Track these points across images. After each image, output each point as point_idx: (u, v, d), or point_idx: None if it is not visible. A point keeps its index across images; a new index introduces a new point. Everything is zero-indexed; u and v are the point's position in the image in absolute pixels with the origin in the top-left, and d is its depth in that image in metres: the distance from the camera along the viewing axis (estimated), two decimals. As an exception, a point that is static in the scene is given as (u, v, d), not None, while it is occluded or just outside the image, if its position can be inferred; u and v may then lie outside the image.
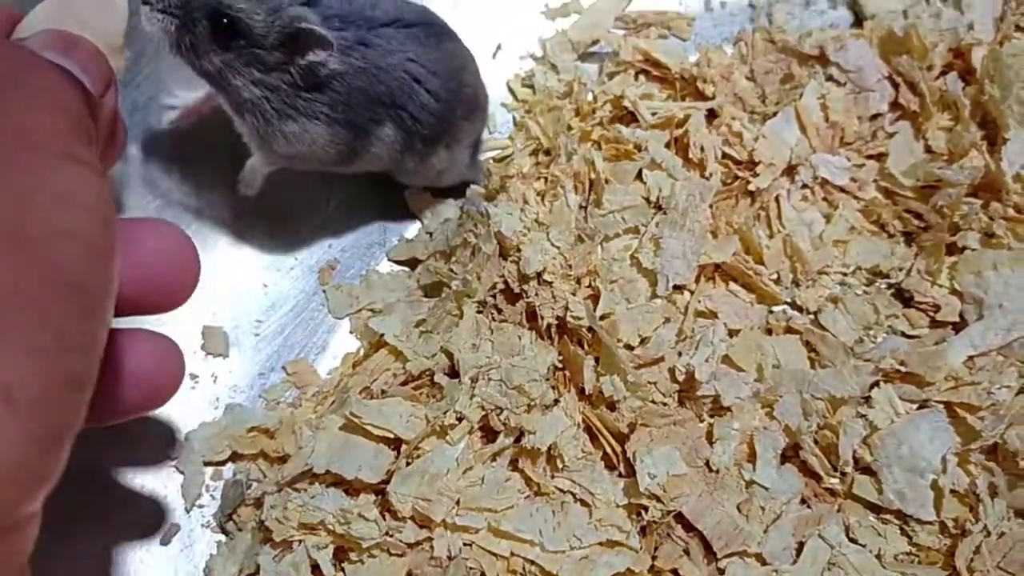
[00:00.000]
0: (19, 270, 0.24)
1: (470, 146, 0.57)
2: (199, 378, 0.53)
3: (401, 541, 0.45)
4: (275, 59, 0.46)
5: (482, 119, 0.57)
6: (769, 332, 0.53)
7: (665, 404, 0.50)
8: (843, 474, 0.48)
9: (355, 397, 0.49)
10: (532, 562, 0.45)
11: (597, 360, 0.50)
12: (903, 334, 0.52)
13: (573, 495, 0.47)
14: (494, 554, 0.46)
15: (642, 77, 0.60)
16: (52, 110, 0.29)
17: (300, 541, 0.45)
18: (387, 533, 0.45)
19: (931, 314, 0.53)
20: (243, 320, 0.55)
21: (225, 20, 0.44)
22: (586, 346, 0.50)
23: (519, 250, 0.53)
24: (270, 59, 0.46)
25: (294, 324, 0.56)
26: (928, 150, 0.57)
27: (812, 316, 0.53)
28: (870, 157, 0.57)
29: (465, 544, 0.46)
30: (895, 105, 0.58)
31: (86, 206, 0.27)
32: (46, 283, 0.25)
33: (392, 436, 0.48)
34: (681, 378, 0.50)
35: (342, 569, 0.45)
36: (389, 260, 0.58)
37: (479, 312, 0.52)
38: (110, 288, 0.28)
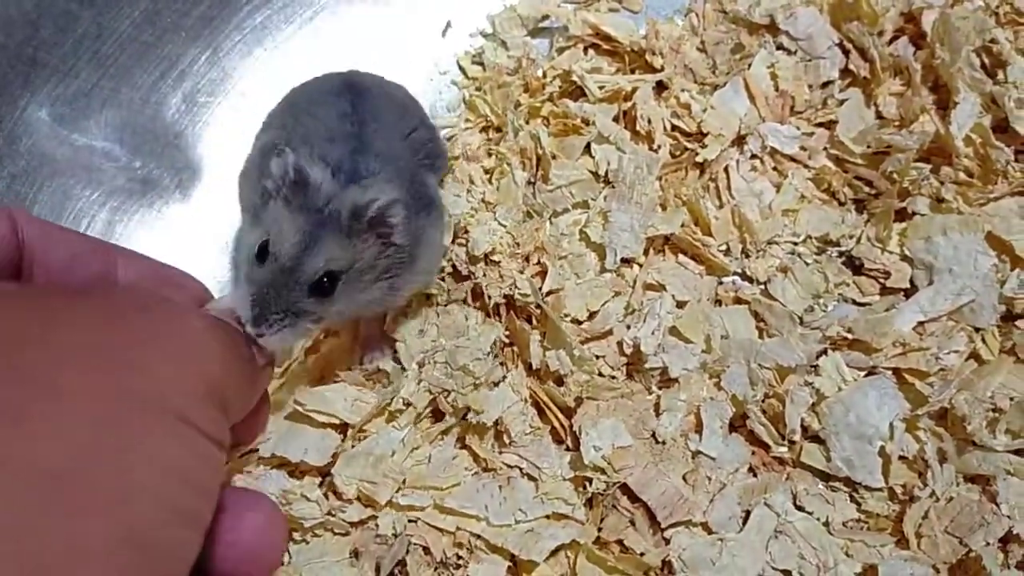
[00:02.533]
0: (93, 528, 0.23)
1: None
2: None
3: (345, 520, 0.45)
4: (372, 253, 0.41)
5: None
6: (718, 303, 0.52)
7: (613, 378, 0.50)
8: (791, 443, 0.48)
9: (300, 386, 0.49)
10: (478, 536, 0.45)
11: (544, 335, 0.49)
12: (854, 302, 0.52)
13: (520, 470, 0.47)
14: (440, 529, 0.46)
15: (592, 51, 0.59)
16: (186, 369, 0.27)
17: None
18: (330, 513, 0.45)
19: (882, 281, 0.52)
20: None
21: (325, 280, 0.40)
22: (534, 321, 0.50)
23: (467, 231, 0.53)
24: (367, 258, 0.41)
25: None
26: (879, 116, 0.56)
27: (762, 286, 0.52)
28: (820, 125, 0.56)
29: (411, 521, 0.46)
30: (846, 72, 0.58)
31: (186, 475, 0.26)
32: (121, 542, 0.23)
33: (338, 421, 0.48)
34: (629, 351, 0.50)
35: (287, 550, 0.45)
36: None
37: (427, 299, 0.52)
38: (191, 558, 0.26)
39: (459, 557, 0.45)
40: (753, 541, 0.45)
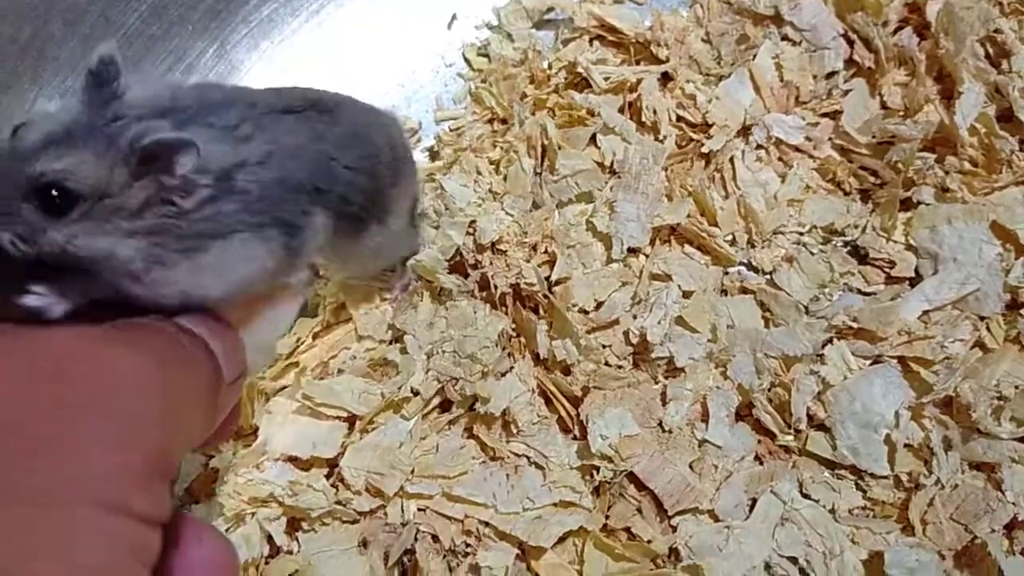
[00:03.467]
0: None
1: (406, 214, 0.48)
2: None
3: (353, 510, 0.45)
4: (138, 198, 0.33)
5: (409, 183, 0.48)
6: (724, 293, 0.53)
7: (620, 367, 0.50)
8: (797, 431, 0.48)
9: (307, 379, 0.50)
10: (486, 523, 0.46)
11: (551, 325, 0.50)
12: (859, 291, 0.52)
13: (527, 458, 0.48)
14: (448, 517, 0.46)
15: (597, 43, 0.60)
16: (117, 443, 0.24)
17: (252, 514, 0.45)
18: (338, 502, 0.45)
19: (887, 270, 0.53)
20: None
21: (55, 192, 0.32)
22: (541, 312, 0.50)
23: (474, 222, 0.53)
24: (132, 202, 0.33)
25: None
26: (884, 106, 0.56)
27: (767, 276, 0.53)
28: (825, 115, 0.57)
29: (419, 510, 0.46)
30: (850, 62, 0.58)
31: None
32: None
33: (345, 413, 0.49)
34: (635, 341, 0.50)
35: (296, 539, 0.46)
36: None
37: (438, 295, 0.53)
38: None
39: (467, 544, 0.45)
40: (759, 528, 0.45)
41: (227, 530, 0.46)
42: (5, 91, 0.55)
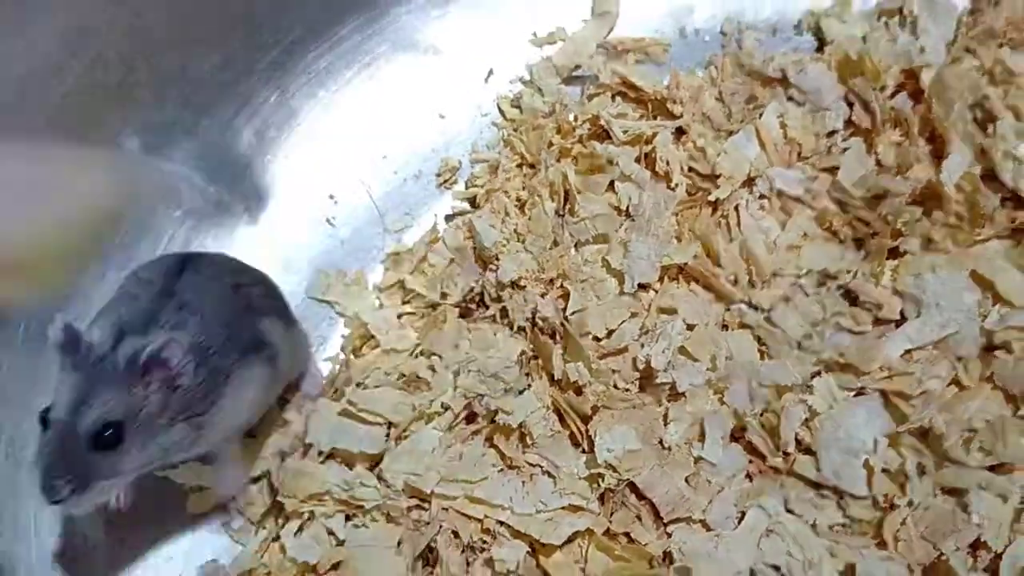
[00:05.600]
0: None
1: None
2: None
3: (398, 506, 0.51)
4: (157, 397, 0.43)
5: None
6: (725, 327, 0.58)
7: (627, 390, 0.55)
8: (785, 454, 0.53)
9: (351, 388, 0.56)
10: (503, 523, 0.51)
11: (566, 350, 0.56)
12: (849, 331, 0.57)
13: (541, 467, 0.53)
14: (469, 517, 0.52)
15: (619, 98, 0.66)
16: None
17: (311, 512, 0.52)
18: (386, 498, 0.51)
19: (875, 312, 0.57)
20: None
21: (108, 431, 0.41)
22: (557, 337, 0.56)
23: (497, 259, 0.59)
24: (156, 403, 0.43)
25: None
26: (878, 163, 0.62)
27: (765, 313, 0.58)
28: (824, 170, 0.62)
29: (443, 509, 0.52)
30: (849, 123, 0.63)
31: None
32: None
33: (383, 420, 0.55)
34: (641, 367, 0.56)
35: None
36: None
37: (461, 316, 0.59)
38: None
39: (484, 541, 0.51)
40: (746, 538, 0.51)
41: (297, 532, 0.52)
42: (94, 131, 0.62)
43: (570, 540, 0.51)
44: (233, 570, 0.54)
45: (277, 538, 0.53)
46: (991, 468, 0.51)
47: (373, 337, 0.59)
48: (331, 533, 0.52)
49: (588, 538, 0.51)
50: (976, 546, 0.49)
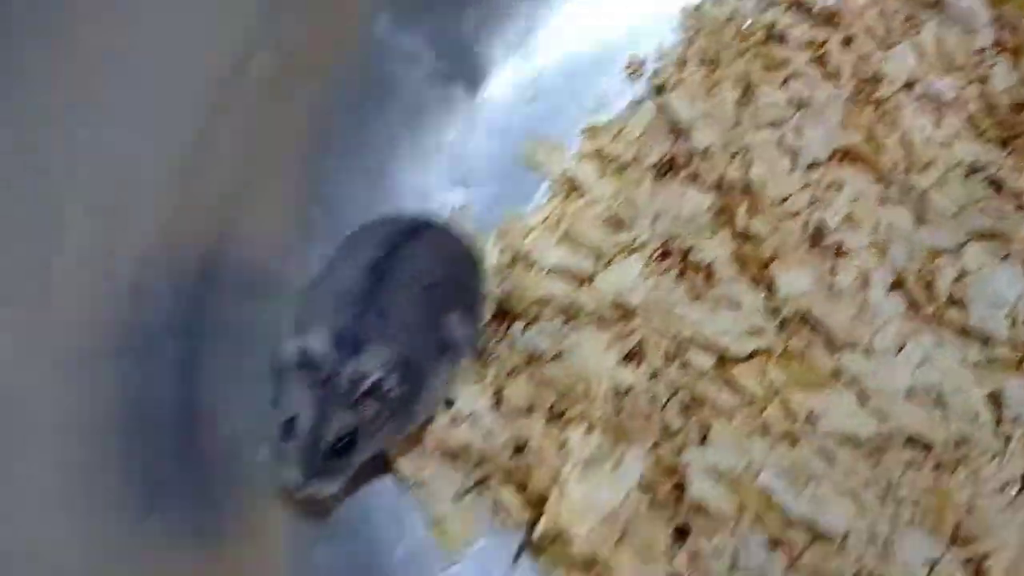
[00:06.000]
0: None
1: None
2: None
3: (609, 316, 0.61)
4: (379, 407, 0.51)
5: None
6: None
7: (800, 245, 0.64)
8: (939, 306, 0.62)
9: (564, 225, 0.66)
10: (694, 338, 0.60)
11: (749, 206, 0.65)
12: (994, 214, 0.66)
13: (728, 299, 0.62)
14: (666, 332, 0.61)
15: (791, 10, 0.75)
16: None
17: (535, 315, 0.62)
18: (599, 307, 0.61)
19: (1017, 201, 0.66)
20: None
21: (342, 443, 0.50)
22: (739, 195, 0.66)
23: (688, 132, 0.69)
24: (381, 413, 0.51)
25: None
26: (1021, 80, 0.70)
27: (923, 192, 0.66)
28: (973, 81, 0.71)
29: (647, 320, 0.61)
30: (997, 43, 0.72)
31: None
32: None
33: (592, 250, 0.65)
34: (812, 230, 0.65)
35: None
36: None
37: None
38: None
39: (680, 347, 0.60)
40: (905, 364, 0.59)
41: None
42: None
43: (752, 356, 0.60)
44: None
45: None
46: None
47: (577, 190, 0.69)
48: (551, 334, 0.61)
49: (767, 358, 0.60)
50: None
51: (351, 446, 0.50)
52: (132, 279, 0.57)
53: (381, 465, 0.58)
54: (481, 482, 0.60)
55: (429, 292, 0.55)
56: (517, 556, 0.58)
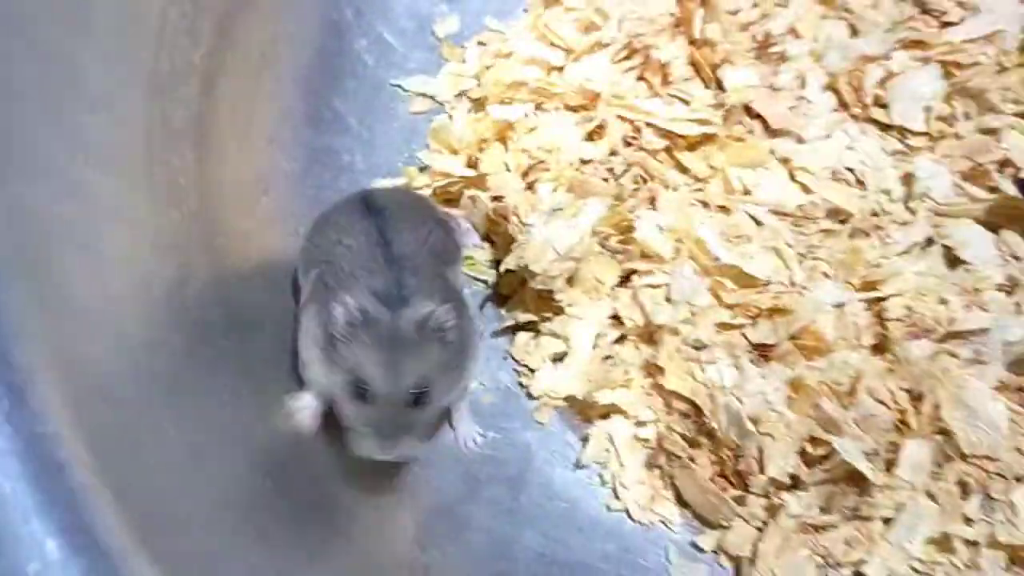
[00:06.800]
0: None
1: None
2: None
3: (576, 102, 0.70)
4: (437, 353, 0.51)
5: None
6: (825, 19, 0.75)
7: (749, 51, 0.73)
8: (864, 104, 0.71)
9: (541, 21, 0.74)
10: (650, 124, 0.69)
11: (705, 9, 0.73)
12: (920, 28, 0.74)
13: (679, 97, 0.71)
14: (624, 119, 0.70)
15: None
16: None
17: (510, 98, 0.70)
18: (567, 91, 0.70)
19: (940, 17, 0.74)
20: None
21: (420, 393, 0.50)
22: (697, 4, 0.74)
23: None
24: (437, 356, 0.51)
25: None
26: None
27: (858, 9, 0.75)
28: None
29: (608, 106, 0.70)
30: None
31: None
32: None
33: (564, 46, 0.73)
34: (760, 38, 0.73)
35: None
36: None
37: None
38: None
39: (636, 132, 0.69)
40: (833, 147, 0.68)
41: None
42: None
43: (699, 144, 0.69)
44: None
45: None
46: (1019, 115, 0.68)
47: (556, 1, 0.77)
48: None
49: (713, 143, 0.69)
50: (1003, 164, 0.67)
51: (425, 396, 0.50)
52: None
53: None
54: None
55: (431, 246, 0.57)
56: (482, 306, 0.68)
